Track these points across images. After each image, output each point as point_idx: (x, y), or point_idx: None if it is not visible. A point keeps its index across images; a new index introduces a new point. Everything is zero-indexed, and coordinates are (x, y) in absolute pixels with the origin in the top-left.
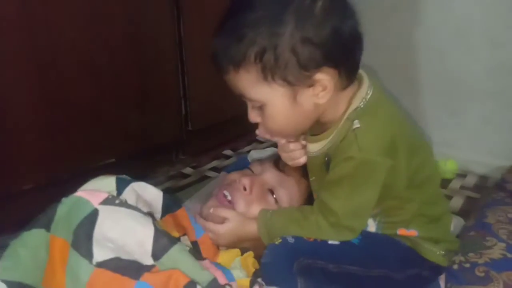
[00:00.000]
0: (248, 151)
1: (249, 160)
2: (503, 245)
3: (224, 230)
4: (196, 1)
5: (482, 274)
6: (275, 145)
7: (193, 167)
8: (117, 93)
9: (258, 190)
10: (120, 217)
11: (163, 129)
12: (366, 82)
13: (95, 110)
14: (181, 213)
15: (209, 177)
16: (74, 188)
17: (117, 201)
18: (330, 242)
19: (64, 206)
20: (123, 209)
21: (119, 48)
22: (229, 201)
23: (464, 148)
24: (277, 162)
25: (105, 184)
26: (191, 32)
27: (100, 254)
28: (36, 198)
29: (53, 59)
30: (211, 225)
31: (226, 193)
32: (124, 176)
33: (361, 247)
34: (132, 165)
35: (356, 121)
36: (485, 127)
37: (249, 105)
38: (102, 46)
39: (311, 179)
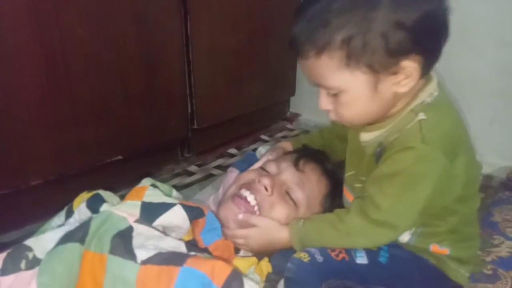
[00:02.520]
0: (255, 149)
1: (258, 157)
2: (510, 243)
3: (254, 233)
4: (203, 1)
5: (490, 272)
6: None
7: (198, 165)
8: (124, 91)
9: (279, 191)
10: (153, 235)
11: (169, 126)
12: (435, 79)
13: (102, 107)
14: (201, 221)
15: (214, 175)
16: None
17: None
18: (358, 261)
19: (98, 220)
20: (153, 229)
21: (126, 45)
22: (248, 202)
23: None
24: (296, 161)
25: (130, 206)
26: (198, 30)
27: (142, 254)
28: (44, 194)
29: (61, 56)
30: (241, 231)
31: (245, 192)
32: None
33: (389, 267)
34: (137, 162)
35: (421, 113)
36: (491, 127)
37: (323, 92)
38: (110, 43)
39: (348, 174)
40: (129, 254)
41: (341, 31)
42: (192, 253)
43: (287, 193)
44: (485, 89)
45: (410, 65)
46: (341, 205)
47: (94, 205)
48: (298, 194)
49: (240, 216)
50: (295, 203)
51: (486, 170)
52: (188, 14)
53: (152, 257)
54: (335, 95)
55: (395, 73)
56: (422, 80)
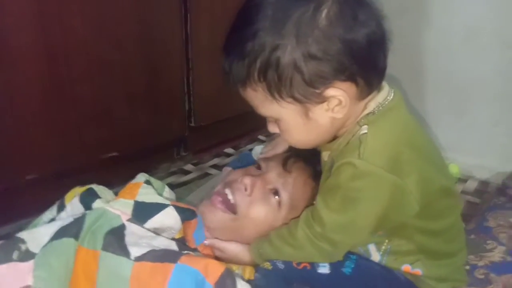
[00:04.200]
0: (251, 149)
1: (253, 156)
2: (503, 248)
3: (221, 256)
4: (202, 2)
5: (482, 277)
6: None
7: (194, 164)
8: (123, 89)
9: (260, 191)
10: (146, 235)
11: (166, 125)
12: (385, 88)
13: (100, 105)
14: (193, 222)
15: (210, 174)
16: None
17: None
18: (319, 271)
19: (92, 216)
20: (145, 230)
21: (127, 46)
22: (228, 201)
23: (472, 150)
24: (285, 161)
25: (123, 205)
26: (198, 30)
27: (136, 250)
28: (40, 189)
29: (64, 56)
30: (212, 249)
31: (227, 191)
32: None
33: (353, 278)
34: (133, 160)
35: (364, 126)
36: (495, 129)
37: (267, 118)
38: (112, 44)
39: None
40: (123, 250)
41: (254, 64)
42: (185, 251)
43: (274, 192)
44: (488, 92)
45: (336, 94)
46: None
47: (87, 200)
48: (281, 194)
49: (206, 242)
50: (279, 203)
51: (486, 174)
52: (188, 13)
53: (146, 254)
54: (275, 121)
55: (323, 101)
56: (372, 94)
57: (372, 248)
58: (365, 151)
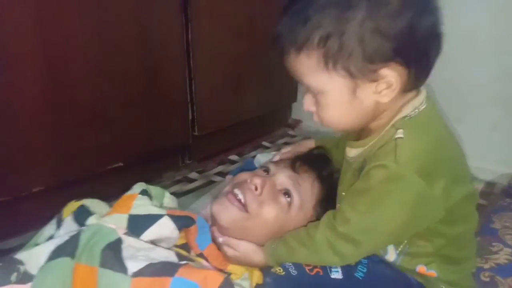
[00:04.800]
0: (254, 156)
1: (256, 164)
2: (509, 250)
3: (231, 255)
4: (204, 8)
5: (488, 279)
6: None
7: (199, 172)
8: (126, 98)
9: (270, 191)
10: (144, 247)
11: (169, 133)
12: (423, 93)
13: (104, 114)
14: (193, 228)
15: (215, 181)
16: (83, 191)
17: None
18: (332, 276)
19: (87, 233)
20: (143, 241)
21: (129, 54)
22: (239, 201)
23: (471, 155)
24: (293, 163)
25: (118, 220)
26: (199, 38)
27: (133, 265)
28: (45, 201)
29: (64, 64)
30: (223, 246)
31: (237, 191)
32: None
33: (366, 283)
34: (139, 169)
35: (400, 130)
36: (492, 134)
37: (305, 91)
38: (112, 51)
39: (341, 194)
40: (120, 266)
41: (318, 29)
42: (183, 262)
43: (285, 193)
44: (485, 96)
45: (390, 74)
46: None
47: (80, 218)
48: (293, 195)
49: (220, 239)
50: (288, 203)
51: (487, 176)
52: (189, 21)
53: (143, 269)
54: (316, 95)
55: (375, 81)
56: (412, 94)
57: (390, 247)
58: (401, 155)
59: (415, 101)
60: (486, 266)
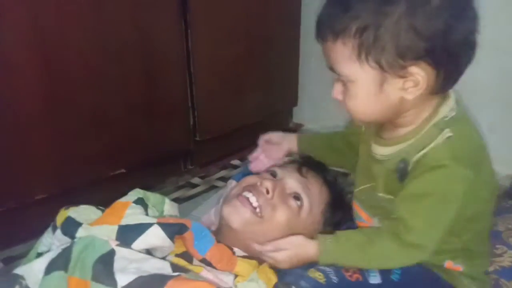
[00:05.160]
0: None
1: None
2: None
3: (284, 257)
4: (203, 14)
5: (492, 282)
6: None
7: (201, 177)
8: (127, 105)
9: (280, 195)
10: (137, 258)
11: (171, 139)
12: (453, 96)
13: (105, 121)
14: (188, 235)
15: (217, 186)
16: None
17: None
18: (371, 281)
19: (79, 245)
20: (136, 252)
21: (129, 60)
22: (251, 204)
23: None
24: (300, 167)
25: (108, 231)
26: (199, 43)
27: (123, 279)
28: (49, 208)
29: (64, 71)
30: (269, 254)
31: (248, 194)
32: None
33: (402, 284)
34: (141, 175)
35: (447, 129)
36: (492, 135)
37: (336, 77)
38: (113, 58)
39: (358, 188)
40: (110, 280)
41: (357, 19)
42: (176, 273)
43: (295, 197)
44: (484, 96)
45: (419, 73)
46: (342, 219)
47: (69, 231)
48: (303, 199)
49: (262, 248)
50: (299, 207)
51: None
52: (188, 27)
53: (131, 283)
54: (345, 84)
55: (403, 77)
56: (440, 97)
57: None
58: (458, 153)
59: (449, 102)
60: (490, 268)
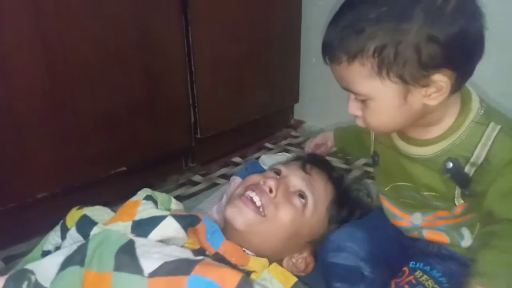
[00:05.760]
0: (258, 158)
1: (261, 165)
2: None
3: None
4: (203, 12)
5: None
6: (284, 151)
7: (202, 175)
8: (128, 103)
9: (284, 193)
10: (156, 244)
11: (172, 137)
12: (470, 89)
13: (106, 120)
14: (200, 227)
15: (218, 184)
16: (87, 196)
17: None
18: None
19: (95, 241)
20: (154, 241)
21: (129, 58)
22: (254, 203)
23: None
24: (304, 164)
25: (122, 228)
26: (200, 41)
27: (148, 265)
28: (50, 207)
29: (66, 70)
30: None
31: (251, 194)
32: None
33: None
34: (142, 173)
35: (492, 123)
36: None
37: (352, 97)
38: (113, 56)
39: (389, 186)
40: (136, 267)
41: (374, 40)
42: (200, 257)
43: (300, 195)
44: (488, 91)
45: (441, 79)
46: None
47: (84, 229)
48: (307, 197)
49: None
50: (303, 204)
51: None
52: (189, 25)
53: (158, 269)
54: (363, 101)
55: (425, 86)
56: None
57: (465, 231)
58: None
59: (475, 97)
60: None
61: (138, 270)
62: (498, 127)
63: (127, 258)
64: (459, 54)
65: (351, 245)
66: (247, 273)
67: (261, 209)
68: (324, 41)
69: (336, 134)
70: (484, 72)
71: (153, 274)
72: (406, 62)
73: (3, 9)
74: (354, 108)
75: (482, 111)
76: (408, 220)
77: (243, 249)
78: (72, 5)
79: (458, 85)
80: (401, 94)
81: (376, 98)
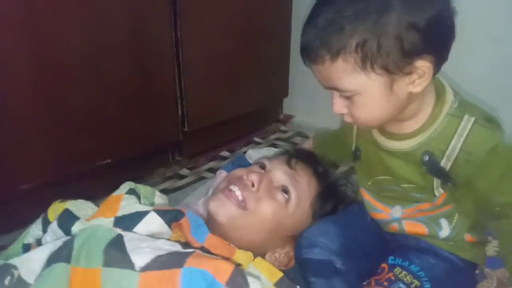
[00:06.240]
0: (245, 152)
1: (248, 159)
2: (497, 242)
3: None
4: (194, 6)
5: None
6: (273, 145)
7: (189, 168)
8: (115, 95)
9: (266, 188)
10: (146, 239)
11: (160, 130)
12: (443, 80)
13: (94, 112)
14: (184, 222)
15: (205, 178)
16: (73, 190)
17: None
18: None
19: (81, 237)
20: (143, 236)
21: (118, 51)
22: (236, 197)
23: None
24: (288, 160)
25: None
26: (188, 33)
27: (140, 259)
28: (34, 199)
29: (55, 62)
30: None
31: (233, 188)
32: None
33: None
34: (128, 166)
35: (466, 115)
36: None
37: (336, 96)
38: (102, 50)
39: (371, 180)
40: (126, 262)
41: (355, 35)
42: (190, 250)
43: (283, 190)
44: (481, 88)
45: (424, 65)
46: (331, 210)
47: (65, 223)
48: (290, 192)
49: None
50: (286, 200)
51: None
52: (177, 18)
53: (150, 263)
54: (349, 98)
55: (409, 73)
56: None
57: (443, 222)
58: (494, 131)
59: (449, 89)
60: None
61: (128, 265)
62: (473, 118)
63: (116, 253)
64: (438, 38)
65: (323, 240)
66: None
67: (243, 203)
68: (303, 43)
69: (315, 141)
70: (478, 67)
71: (145, 268)
72: (390, 53)
73: None
74: (340, 106)
75: (456, 104)
76: (388, 213)
77: (228, 243)
78: (63, 0)
79: (437, 70)
80: (387, 85)
81: (363, 92)
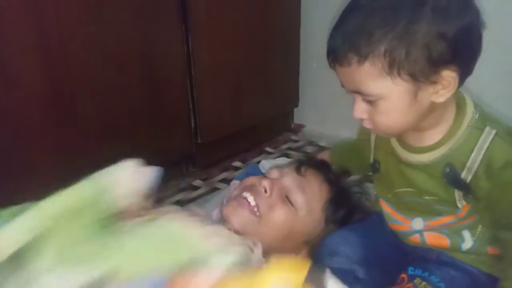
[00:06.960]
0: (258, 162)
1: (261, 169)
2: None
3: None
4: (204, 20)
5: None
6: (285, 155)
7: (203, 179)
8: (129, 109)
9: (278, 193)
10: None
11: (173, 142)
12: (463, 92)
13: (107, 126)
14: None
15: (219, 188)
16: None
17: None
18: None
19: None
20: None
21: (130, 65)
22: (249, 203)
23: None
24: (298, 167)
25: None
26: (200, 48)
27: None
28: None
29: (66, 79)
30: None
31: (246, 194)
32: None
33: None
34: None
35: (487, 127)
36: None
37: (358, 100)
38: (114, 63)
39: (392, 193)
40: None
41: (384, 41)
42: None
43: (287, 196)
44: (488, 93)
45: (449, 75)
46: (347, 217)
47: None
48: (298, 197)
49: None
50: (294, 206)
51: None
52: (188, 33)
53: None
54: (371, 103)
55: (434, 83)
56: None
57: (466, 234)
58: None
59: (469, 101)
60: None
61: None
62: (494, 131)
63: None
64: (465, 50)
65: (344, 249)
66: None
67: (255, 209)
68: (330, 45)
69: (332, 153)
70: (482, 74)
71: None
72: (417, 61)
73: (5, 19)
74: (360, 111)
75: (477, 115)
76: (409, 225)
77: None
78: (73, 14)
79: (461, 82)
80: (411, 92)
81: (387, 97)
